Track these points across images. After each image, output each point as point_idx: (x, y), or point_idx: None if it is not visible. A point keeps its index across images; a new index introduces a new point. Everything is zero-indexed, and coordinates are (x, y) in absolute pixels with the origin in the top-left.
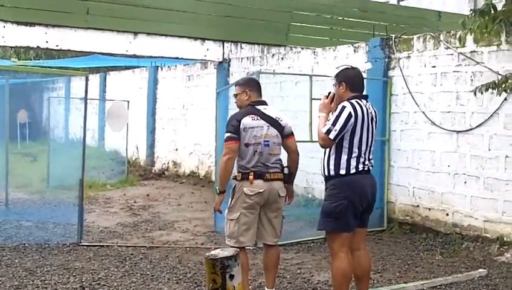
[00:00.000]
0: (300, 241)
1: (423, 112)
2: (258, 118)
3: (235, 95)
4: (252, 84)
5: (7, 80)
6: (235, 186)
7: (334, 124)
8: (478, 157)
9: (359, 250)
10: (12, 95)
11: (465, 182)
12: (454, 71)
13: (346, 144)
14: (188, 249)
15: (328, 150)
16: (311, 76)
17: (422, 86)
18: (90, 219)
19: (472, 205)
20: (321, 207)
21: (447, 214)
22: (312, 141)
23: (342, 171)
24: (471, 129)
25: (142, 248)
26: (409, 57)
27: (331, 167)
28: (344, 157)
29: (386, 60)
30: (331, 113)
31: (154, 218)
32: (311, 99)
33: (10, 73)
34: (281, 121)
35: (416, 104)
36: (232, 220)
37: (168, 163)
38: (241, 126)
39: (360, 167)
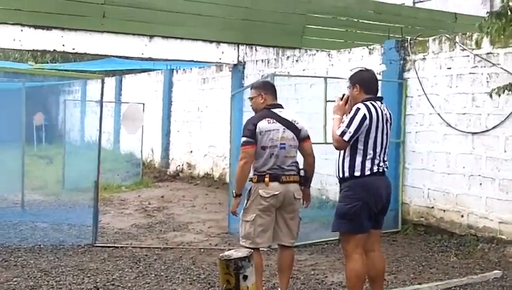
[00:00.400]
0: (315, 243)
1: (438, 114)
2: (274, 121)
3: (251, 98)
4: (267, 88)
5: (23, 83)
6: (250, 188)
7: (348, 126)
8: (493, 158)
9: (373, 251)
10: (28, 98)
11: (481, 184)
12: (470, 73)
13: (361, 145)
14: (202, 250)
15: (342, 151)
16: (325, 78)
17: (438, 87)
18: (105, 221)
19: (487, 206)
20: (335, 209)
21: (462, 216)
22: (326, 143)
23: (357, 173)
24: (486, 131)
25: (157, 249)
26: (424, 58)
27: (346, 168)
28: (359, 159)
29: (401, 62)
30: (345, 115)
31: (169, 219)
32: (326, 101)
33: (27, 76)
34: (297, 124)
35: (432, 105)
36: (247, 221)
37: (182, 165)
38: (257, 130)
39: (375, 168)
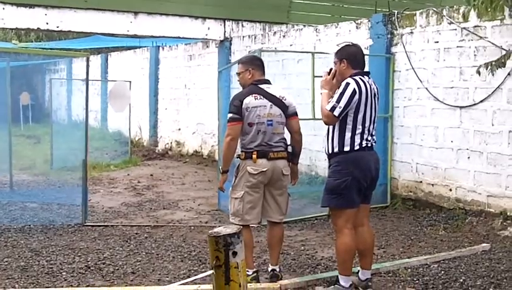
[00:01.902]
0: (304, 219)
1: (426, 88)
2: (261, 97)
3: (238, 74)
4: (255, 63)
5: (8, 62)
6: (238, 165)
7: (338, 101)
8: (481, 132)
9: (363, 226)
10: (14, 77)
11: (469, 158)
12: (457, 46)
13: (350, 120)
14: (192, 227)
15: (331, 127)
16: (313, 53)
17: (425, 61)
18: (95, 200)
19: (475, 180)
20: (325, 184)
21: (450, 190)
22: (315, 119)
23: (346, 148)
24: (474, 104)
25: (147, 227)
26: (411, 32)
27: (335, 144)
28: (348, 134)
29: (389, 36)
30: (332, 90)
31: (158, 197)
32: (314, 76)
33: (11, 55)
34: (285, 100)
35: (420, 80)
36: (236, 198)
37: (171, 143)
38: (243, 106)
39: (364, 143)
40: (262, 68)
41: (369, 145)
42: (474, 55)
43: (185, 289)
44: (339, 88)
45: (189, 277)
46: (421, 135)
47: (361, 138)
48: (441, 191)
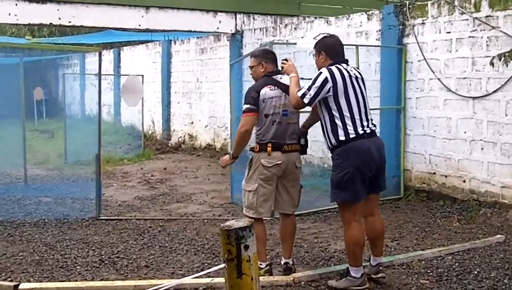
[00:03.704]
0: (317, 211)
1: (439, 79)
2: (276, 88)
3: (251, 67)
4: (268, 56)
5: (21, 58)
6: (252, 158)
7: (309, 88)
8: (495, 123)
9: (373, 215)
10: (27, 72)
11: (482, 149)
12: (469, 37)
13: (335, 109)
14: (206, 220)
15: (323, 121)
16: None
17: (438, 52)
18: (108, 193)
19: (489, 171)
20: (330, 179)
21: (464, 181)
22: None
23: (342, 138)
24: (487, 95)
25: (160, 220)
26: (423, 23)
27: (331, 136)
28: (339, 123)
29: (400, 27)
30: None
31: (172, 191)
32: None
33: (25, 51)
34: None
35: (432, 71)
36: (250, 191)
37: (184, 136)
38: (260, 97)
39: (360, 130)
40: (275, 60)
41: (368, 131)
42: (487, 45)
43: (199, 282)
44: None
45: (202, 270)
46: (434, 126)
47: (355, 125)
48: (454, 183)
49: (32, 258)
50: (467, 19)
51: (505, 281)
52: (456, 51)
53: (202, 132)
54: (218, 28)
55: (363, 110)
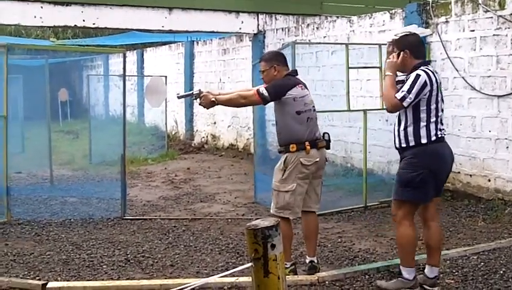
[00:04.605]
0: (341, 211)
1: (463, 77)
2: (303, 86)
3: (262, 72)
4: (279, 58)
5: (46, 60)
6: (286, 158)
7: (409, 91)
8: None
9: (433, 221)
10: (52, 74)
11: (507, 147)
12: (494, 35)
13: (424, 112)
14: (229, 220)
15: (403, 120)
16: (347, 45)
17: (462, 50)
18: (133, 193)
19: None
20: (397, 176)
21: (489, 180)
22: (349, 110)
23: (423, 140)
24: None
25: (185, 220)
26: (447, 21)
27: (410, 137)
28: (423, 126)
29: (424, 25)
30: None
31: (195, 191)
32: (348, 68)
33: (49, 53)
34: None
35: (456, 69)
36: (287, 191)
37: (207, 136)
38: (290, 95)
39: (439, 134)
40: (285, 62)
41: (443, 135)
42: (511, 43)
43: (224, 281)
44: (407, 78)
45: (227, 269)
46: (458, 125)
47: (436, 129)
48: (479, 182)
49: (59, 257)
50: (491, 17)
51: None
52: (481, 49)
53: (225, 132)
54: (240, 29)
55: (441, 114)
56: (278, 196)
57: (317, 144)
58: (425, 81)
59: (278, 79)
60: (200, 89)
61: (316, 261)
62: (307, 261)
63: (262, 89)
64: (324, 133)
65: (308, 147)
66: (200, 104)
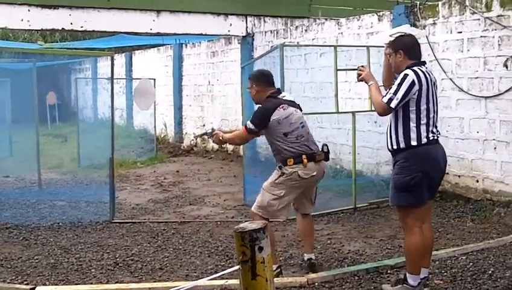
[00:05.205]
0: (330, 212)
1: (451, 79)
2: (286, 106)
3: (248, 88)
4: (260, 79)
5: (34, 63)
6: (283, 171)
7: (396, 92)
8: (508, 122)
9: (425, 223)
10: (40, 77)
11: (495, 148)
12: (481, 36)
13: (413, 114)
14: (219, 223)
15: (393, 121)
16: (335, 47)
17: (449, 52)
18: (122, 197)
19: (502, 170)
20: (392, 181)
21: (477, 181)
22: (338, 112)
23: (413, 142)
24: (499, 94)
25: (174, 223)
26: (434, 23)
27: (400, 139)
28: (413, 127)
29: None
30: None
31: (185, 193)
32: (336, 70)
33: (37, 56)
34: (297, 103)
35: (444, 71)
36: (273, 195)
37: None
38: (273, 119)
39: (431, 136)
40: (267, 81)
41: (436, 137)
42: (499, 44)
43: (213, 284)
44: (395, 79)
45: (216, 272)
46: (446, 126)
47: (427, 131)
48: (467, 183)
49: (48, 261)
50: (478, 19)
51: None
52: (468, 50)
53: None
54: (229, 31)
55: (434, 116)
56: (263, 195)
57: (315, 158)
58: (412, 81)
59: (260, 98)
60: (212, 128)
61: (314, 257)
62: (305, 258)
63: (248, 123)
64: (323, 145)
65: (305, 160)
66: (213, 142)
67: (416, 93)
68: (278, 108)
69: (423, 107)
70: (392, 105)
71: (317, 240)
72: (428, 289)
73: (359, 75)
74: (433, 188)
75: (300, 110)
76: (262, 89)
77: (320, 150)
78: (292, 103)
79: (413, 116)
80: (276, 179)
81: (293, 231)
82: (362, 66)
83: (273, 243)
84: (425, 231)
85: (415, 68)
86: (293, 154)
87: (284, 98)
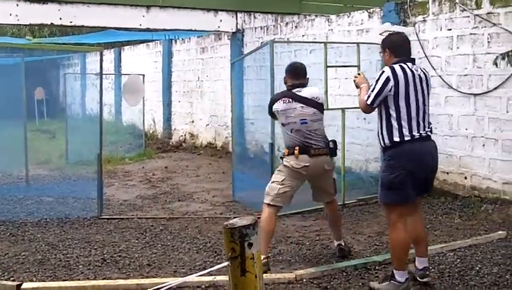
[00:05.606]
0: (318, 209)
1: (440, 76)
2: (290, 100)
3: None
4: (287, 70)
5: (22, 58)
6: (284, 160)
7: (373, 89)
8: (496, 119)
9: (413, 215)
10: (28, 72)
11: (484, 145)
12: (470, 34)
13: (393, 109)
14: (207, 219)
15: (379, 119)
16: (325, 43)
17: (439, 49)
18: (110, 193)
19: (490, 167)
20: (380, 179)
21: (466, 178)
22: (328, 109)
23: (396, 139)
24: (488, 92)
25: (162, 219)
26: (424, 20)
27: (385, 136)
28: (395, 124)
29: (402, 24)
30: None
31: (173, 190)
32: (326, 67)
33: (25, 51)
34: (319, 100)
35: (433, 68)
36: (275, 180)
37: (185, 135)
38: (274, 110)
39: (415, 133)
40: (295, 73)
41: (424, 135)
42: (488, 42)
43: (201, 280)
44: None
45: (204, 268)
46: (435, 123)
47: (411, 128)
48: (456, 179)
49: (35, 257)
50: (468, 16)
51: (507, 276)
52: (457, 48)
53: (203, 130)
54: (219, 27)
55: (421, 112)
56: (270, 182)
57: (309, 152)
58: (387, 77)
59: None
60: None
61: (343, 243)
62: (335, 245)
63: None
64: (330, 141)
65: (297, 152)
66: None
67: (392, 90)
68: (280, 100)
69: (402, 103)
70: (369, 102)
71: (306, 236)
72: (429, 279)
73: (354, 81)
74: (420, 185)
75: (321, 109)
76: (287, 80)
77: (324, 146)
78: (304, 99)
79: (393, 113)
80: (279, 167)
81: (281, 227)
82: (358, 74)
83: (270, 234)
84: (414, 222)
85: (394, 65)
86: (288, 145)
87: (297, 93)
